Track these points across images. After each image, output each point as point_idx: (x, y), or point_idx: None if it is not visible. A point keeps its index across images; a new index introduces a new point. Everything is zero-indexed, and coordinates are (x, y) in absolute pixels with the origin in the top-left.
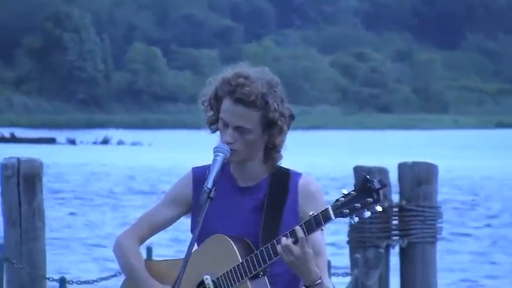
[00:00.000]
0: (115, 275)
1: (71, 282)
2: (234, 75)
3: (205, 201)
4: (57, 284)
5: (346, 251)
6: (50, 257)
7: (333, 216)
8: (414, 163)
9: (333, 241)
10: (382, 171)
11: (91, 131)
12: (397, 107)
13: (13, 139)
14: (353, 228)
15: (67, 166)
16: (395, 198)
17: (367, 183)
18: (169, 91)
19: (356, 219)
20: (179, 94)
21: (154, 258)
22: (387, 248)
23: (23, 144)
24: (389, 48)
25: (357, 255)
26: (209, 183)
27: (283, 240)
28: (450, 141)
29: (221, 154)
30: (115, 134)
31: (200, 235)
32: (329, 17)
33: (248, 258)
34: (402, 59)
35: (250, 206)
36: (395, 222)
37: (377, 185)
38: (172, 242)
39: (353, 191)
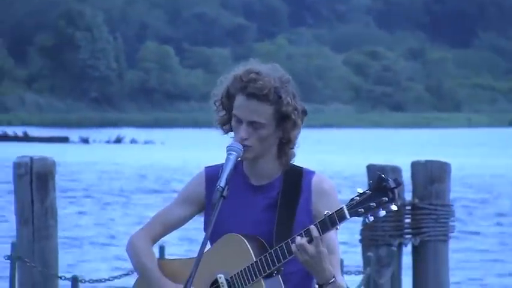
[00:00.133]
0: (127, 274)
1: (83, 281)
2: (245, 71)
3: (218, 200)
4: (69, 283)
5: (359, 249)
6: (61, 255)
7: (348, 216)
8: (427, 161)
9: (346, 240)
10: (395, 170)
11: (103, 129)
12: (410, 106)
13: (26, 138)
14: (366, 227)
15: (80, 165)
16: (408, 196)
17: (382, 182)
18: (181, 90)
19: (371, 218)
20: (191, 93)
21: (166, 257)
22: (400, 246)
23: (35, 143)
24: (402, 46)
25: (370, 254)
26: (222, 182)
27: (298, 239)
28: (463, 139)
29: (234, 153)
30: (128, 133)
31: (213, 234)
32: (342, 16)
33: (262, 257)
34: (415, 58)
35: (263, 204)
36: (407, 220)
37: (392, 184)
38: (182, 241)
39: (368, 190)
